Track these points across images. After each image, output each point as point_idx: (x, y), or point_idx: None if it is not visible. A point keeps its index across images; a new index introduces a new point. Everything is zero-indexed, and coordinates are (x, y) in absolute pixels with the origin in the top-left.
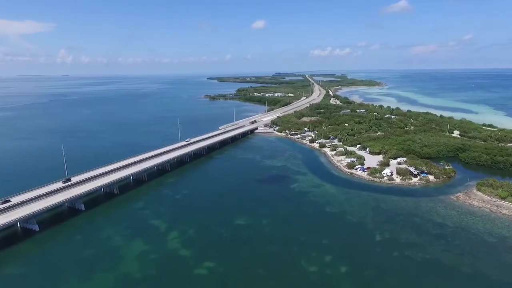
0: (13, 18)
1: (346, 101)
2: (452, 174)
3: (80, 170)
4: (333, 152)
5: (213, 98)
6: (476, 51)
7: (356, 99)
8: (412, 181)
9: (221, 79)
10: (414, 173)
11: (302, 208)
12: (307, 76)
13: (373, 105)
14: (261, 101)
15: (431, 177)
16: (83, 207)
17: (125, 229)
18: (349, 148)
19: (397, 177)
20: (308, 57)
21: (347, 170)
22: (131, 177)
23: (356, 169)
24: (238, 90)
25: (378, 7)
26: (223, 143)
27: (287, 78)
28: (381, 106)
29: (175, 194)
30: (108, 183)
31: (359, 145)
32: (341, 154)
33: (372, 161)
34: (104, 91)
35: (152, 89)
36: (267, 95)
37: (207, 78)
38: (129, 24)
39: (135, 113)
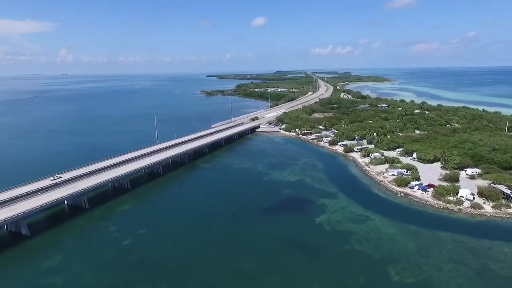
0: (14, 17)
1: (361, 96)
2: None
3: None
4: (367, 160)
5: (210, 93)
6: (480, 49)
7: (368, 94)
8: (511, 209)
9: (220, 76)
10: (511, 195)
11: (346, 272)
12: (309, 73)
13: (392, 99)
14: (263, 96)
15: None
16: None
17: None
18: (388, 154)
19: (484, 203)
20: (309, 56)
21: (398, 189)
22: (66, 202)
23: (412, 188)
24: (238, 86)
25: (381, 3)
26: (214, 146)
27: (289, 75)
28: (403, 101)
29: (124, 236)
30: (13, 216)
31: (399, 149)
32: (380, 162)
33: (427, 172)
34: (94, 88)
35: (145, 86)
36: (269, 90)
37: (207, 76)
38: (129, 23)
39: (116, 110)
